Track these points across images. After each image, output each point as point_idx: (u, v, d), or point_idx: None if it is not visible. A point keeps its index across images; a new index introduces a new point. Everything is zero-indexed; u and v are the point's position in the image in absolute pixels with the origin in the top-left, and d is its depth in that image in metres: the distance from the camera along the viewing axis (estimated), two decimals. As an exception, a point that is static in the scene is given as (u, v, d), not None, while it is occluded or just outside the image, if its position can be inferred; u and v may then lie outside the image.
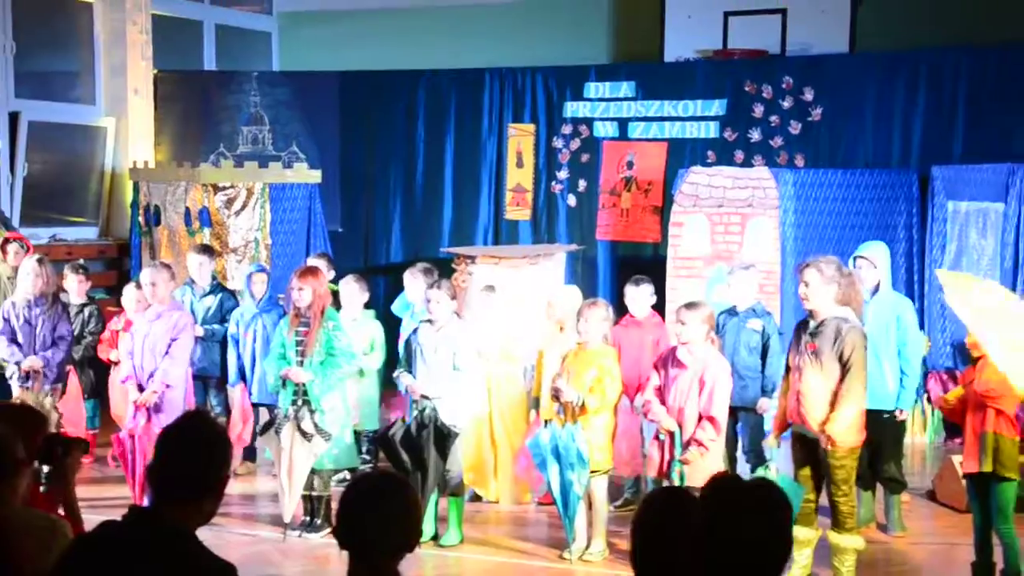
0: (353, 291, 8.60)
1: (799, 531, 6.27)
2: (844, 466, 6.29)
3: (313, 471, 7.42)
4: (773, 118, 11.32)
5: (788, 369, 6.61)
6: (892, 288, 7.75)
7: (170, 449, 3.22)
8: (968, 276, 7.77)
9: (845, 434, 6.25)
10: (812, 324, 6.38)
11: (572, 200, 12.19)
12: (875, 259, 7.46)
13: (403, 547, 3.16)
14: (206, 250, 9.49)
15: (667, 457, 6.78)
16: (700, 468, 6.57)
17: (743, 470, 7.71)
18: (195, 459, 3.20)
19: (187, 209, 11.28)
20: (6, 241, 9.48)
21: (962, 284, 6.37)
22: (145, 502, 7.45)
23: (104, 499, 7.40)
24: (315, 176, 11.75)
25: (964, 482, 7.08)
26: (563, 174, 12.20)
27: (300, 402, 7.32)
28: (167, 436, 3.26)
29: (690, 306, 6.96)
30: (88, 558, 3.12)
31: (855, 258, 7.51)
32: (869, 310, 7.23)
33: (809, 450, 6.43)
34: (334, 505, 7.47)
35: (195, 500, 3.20)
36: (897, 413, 7.35)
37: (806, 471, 6.49)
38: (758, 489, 3.09)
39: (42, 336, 8.20)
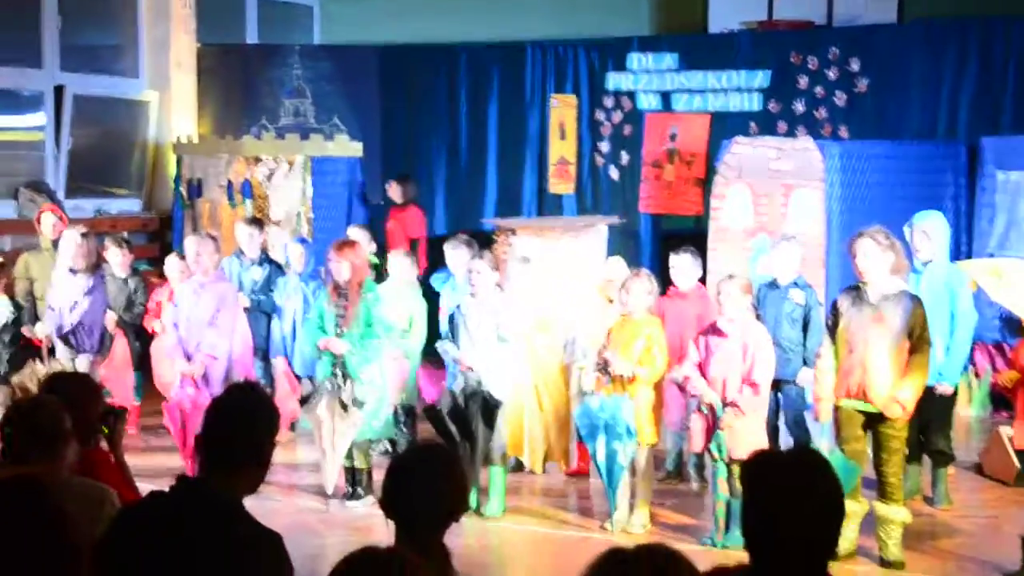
0: (402, 264, 8.60)
1: (847, 504, 6.22)
2: (899, 437, 6.33)
3: (353, 442, 7.45)
4: (818, 89, 11.18)
5: (832, 342, 6.53)
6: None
7: (218, 419, 3.23)
8: (993, 263, 7.65)
9: (911, 403, 6.24)
10: (872, 295, 6.32)
11: (615, 172, 12.13)
12: (931, 230, 7.39)
13: (450, 518, 3.17)
14: (255, 222, 9.53)
15: (709, 430, 6.76)
16: (741, 439, 6.56)
17: (784, 442, 7.66)
18: (242, 429, 3.21)
19: (229, 182, 11.33)
20: (40, 213, 9.55)
21: (993, 272, 6.32)
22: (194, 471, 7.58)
23: (150, 469, 7.44)
24: (357, 149, 11.75)
25: (1014, 455, 7.02)
26: (606, 146, 12.13)
27: (339, 373, 7.35)
28: (215, 406, 3.28)
29: (729, 278, 6.96)
30: (136, 527, 3.14)
31: (911, 227, 7.43)
32: (923, 280, 7.17)
33: (863, 423, 6.38)
34: (376, 476, 7.56)
35: (242, 469, 3.21)
36: (937, 386, 7.25)
37: (859, 445, 6.44)
38: (799, 458, 3.00)
39: (82, 308, 8.28)
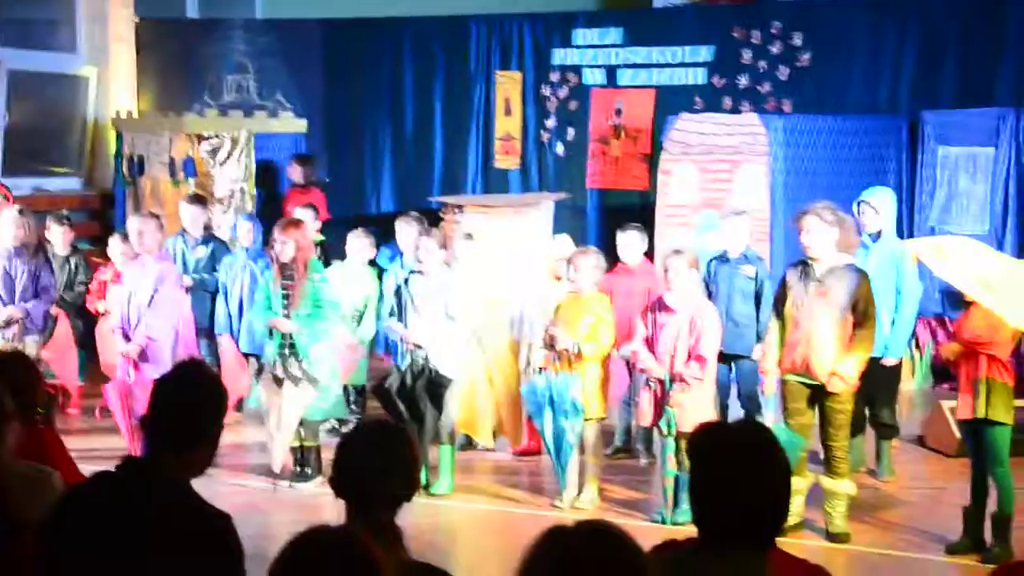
0: (360, 245, 8.54)
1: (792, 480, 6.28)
2: (844, 410, 6.39)
3: (302, 421, 7.40)
4: (761, 64, 11.23)
5: (779, 316, 6.59)
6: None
7: (165, 399, 3.18)
8: (936, 240, 7.73)
9: (854, 377, 6.28)
10: (818, 270, 6.37)
11: (561, 148, 12.11)
12: (879, 205, 7.46)
13: (402, 497, 3.13)
14: (199, 200, 9.40)
15: (658, 405, 6.79)
16: (689, 414, 6.59)
17: (735, 418, 7.72)
18: (190, 409, 3.16)
19: (171, 159, 11.18)
20: None
21: (936, 249, 6.40)
22: (138, 452, 7.48)
23: (93, 450, 7.35)
24: (301, 125, 11.66)
25: (956, 427, 7.12)
26: (551, 122, 12.11)
27: (287, 351, 7.29)
28: (162, 386, 3.22)
29: (675, 252, 6.97)
30: (83, 509, 3.08)
31: (859, 203, 7.49)
32: (871, 256, 7.24)
33: (809, 396, 6.44)
34: (325, 455, 7.51)
35: (191, 451, 3.16)
36: (883, 359, 7.32)
37: (804, 419, 6.50)
38: (744, 429, 2.99)
39: (23, 287, 8.12)
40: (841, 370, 6.29)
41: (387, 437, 3.15)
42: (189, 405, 3.16)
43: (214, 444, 3.24)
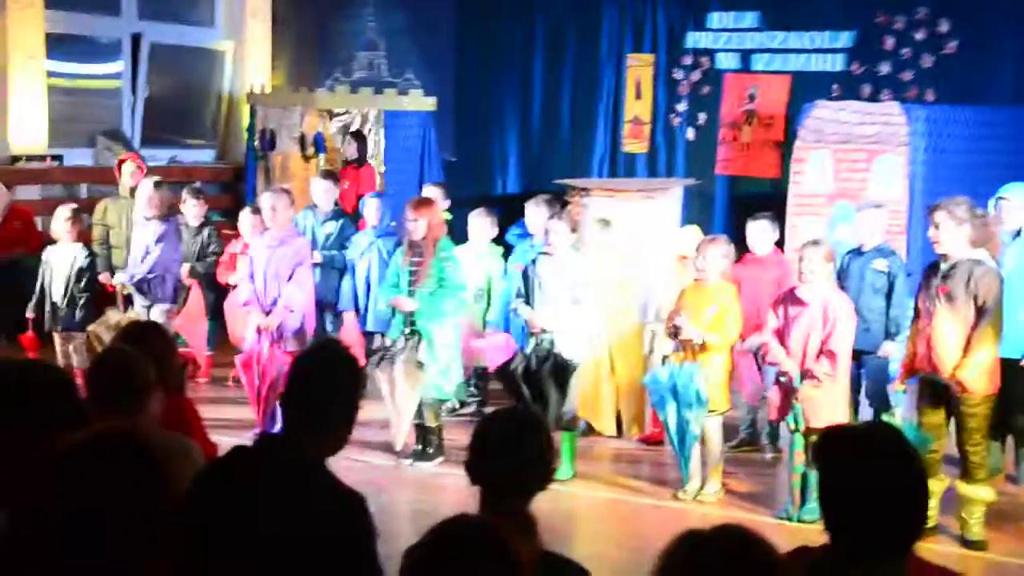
0: (483, 225, 8.49)
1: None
2: (977, 414, 6.12)
3: (423, 402, 7.40)
4: (904, 51, 10.86)
5: (917, 313, 6.39)
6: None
7: (304, 378, 3.17)
8: None
9: (977, 380, 6.07)
10: (944, 267, 6.16)
11: (691, 133, 11.91)
12: (1019, 199, 7.14)
13: (538, 487, 3.08)
14: (330, 175, 9.47)
15: (787, 399, 6.62)
16: (819, 409, 6.44)
17: (865, 415, 7.50)
18: (329, 389, 3.15)
19: (302, 134, 11.31)
20: (121, 162, 9.57)
21: None
22: (275, 426, 7.58)
23: (222, 420, 7.47)
24: (430, 104, 11.67)
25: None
26: (682, 106, 11.91)
27: (410, 331, 7.29)
28: (301, 364, 3.21)
29: (813, 243, 6.80)
30: (221, 484, 3.10)
31: (997, 199, 7.20)
32: (1009, 253, 6.95)
33: (939, 397, 6.22)
34: (447, 436, 7.52)
35: (327, 430, 3.16)
36: (1022, 363, 7.01)
37: (934, 418, 6.29)
38: (873, 433, 2.87)
39: (153, 257, 8.31)
40: (961, 375, 6.05)
41: (526, 425, 3.10)
42: (328, 384, 3.15)
43: (350, 424, 3.23)
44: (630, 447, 8.09)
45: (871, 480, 2.59)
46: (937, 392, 6.23)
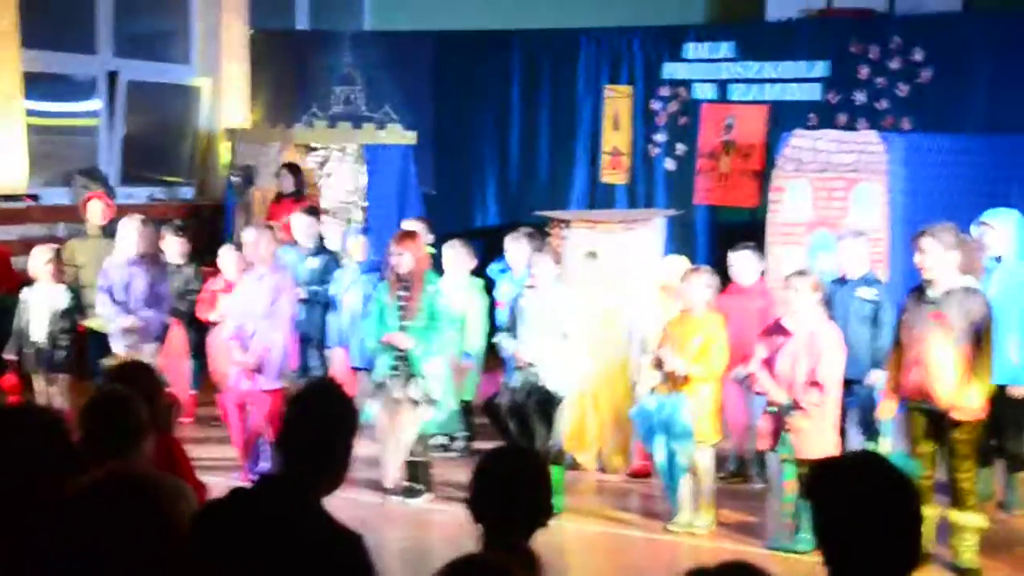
0: (460, 256, 8.47)
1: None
2: (969, 440, 6.13)
3: (416, 436, 7.35)
4: (879, 80, 10.97)
5: (898, 340, 6.39)
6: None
7: (300, 419, 3.15)
8: None
9: (972, 408, 6.05)
10: (932, 293, 6.17)
11: (670, 164, 11.96)
12: (1001, 226, 7.19)
13: (539, 524, 3.08)
14: (312, 211, 9.43)
15: (776, 430, 6.62)
16: (809, 439, 6.44)
17: (854, 444, 7.50)
18: (325, 429, 3.14)
19: (279, 170, 11.27)
20: (87, 200, 9.49)
21: None
22: (259, 466, 7.51)
23: (207, 459, 7.40)
24: (409, 137, 11.68)
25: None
26: (660, 137, 11.97)
27: (401, 368, 7.25)
28: (297, 404, 3.19)
29: (799, 274, 6.80)
30: (217, 525, 3.06)
31: (980, 224, 7.24)
32: (993, 279, 6.98)
33: (929, 424, 6.22)
34: (435, 472, 7.46)
35: (323, 469, 3.14)
36: (1010, 388, 7.04)
37: (924, 447, 6.28)
38: (866, 464, 2.82)
39: (141, 296, 8.23)
40: (962, 403, 6.05)
41: (526, 463, 3.10)
42: (324, 424, 3.14)
43: (346, 462, 3.21)
44: (617, 480, 8.05)
45: (868, 512, 2.60)
46: (930, 420, 6.22)
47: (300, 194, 10.88)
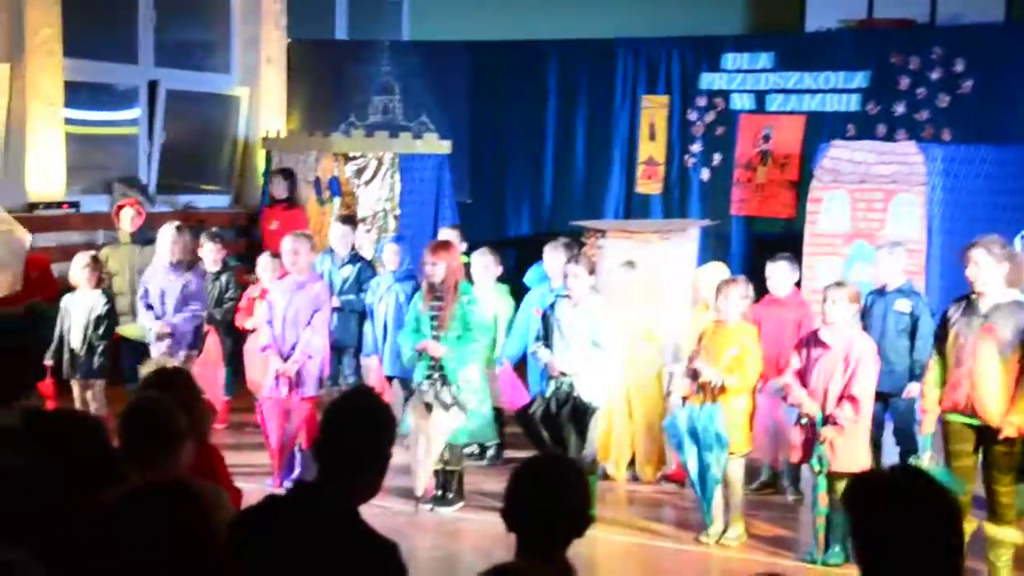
0: (486, 263, 8.47)
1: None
2: (1012, 453, 6.06)
3: (448, 444, 7.36)
4: (920, 90, 10.88)
5: (940, 354, 6.32)
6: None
7: (338, 426, 3.16)
8: None
9: (1019, 422, 5.98)
10: (983, 305, 6.09)
11: (705, 174, 11.92)
12: (1044, 239, 7.13)
13: (576, 535, 3.06)
14: (348, 220, 9.47)
15: (809, 441, 6.57)
16: (842, 453, 6.39)
17: (891, 457, 7.44)
18: (363, 437, 3.14)
19: (317, 178, 11.33)
20: (120, 208, 9.58)
21: None
22: (293, 473, 7.54)
23: (242, 465, 7.43)
24: (445, 147, 11.70)
25: None
26: (697, 147, 11.93)
27: (436, 376, 7.26)
28: (335, 412, 3.20)
29: (837, 285, 6.76)
30: (254, 533, 3.07)
31: (1022, 237, 7.17)
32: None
33: (973, 438, 6.15)
34: (466, 480, 7.46)
35: (361, 478, 3.14)
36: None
37: (967, 461, 6.20)
38: (908, 479, 2.80)
39: (177, 302, 8.29)
40: (1013, 418, 5.98)
41: (564, 472, 3.09)
42: (362, 432, 3.14)
43: (383, 471, 3.21)
44: (650, 491, 8.02)
45: (910, 529, 2.57)
46: (972, 434, 6.16)
47: (292, 200, 10.94)
